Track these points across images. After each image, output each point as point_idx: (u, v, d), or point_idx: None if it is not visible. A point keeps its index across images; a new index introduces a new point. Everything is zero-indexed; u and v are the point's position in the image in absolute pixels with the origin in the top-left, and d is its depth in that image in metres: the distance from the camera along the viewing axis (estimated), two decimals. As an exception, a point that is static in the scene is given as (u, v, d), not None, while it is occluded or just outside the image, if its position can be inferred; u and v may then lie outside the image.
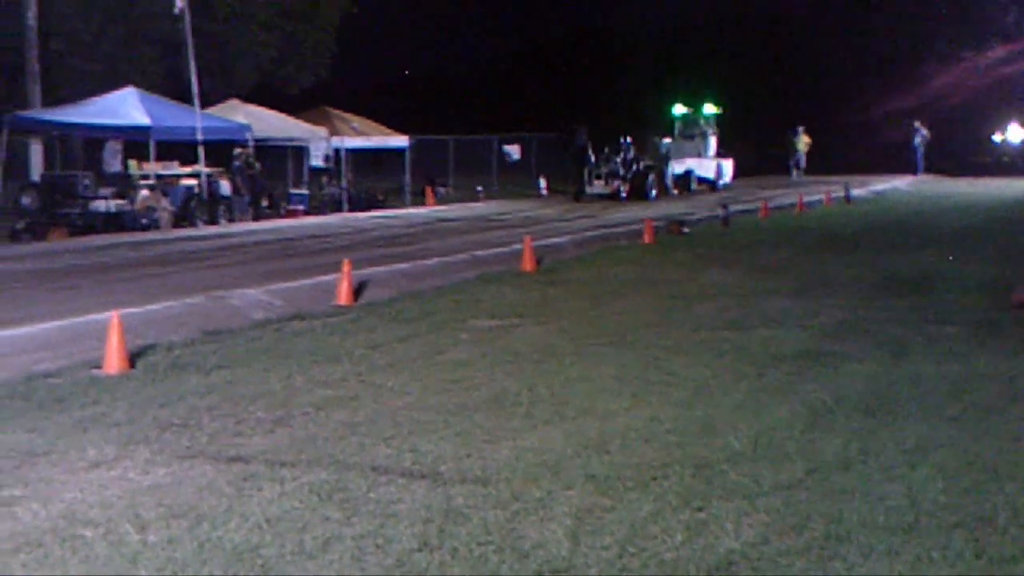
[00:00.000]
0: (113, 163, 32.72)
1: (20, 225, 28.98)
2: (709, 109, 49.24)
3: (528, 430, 9.05)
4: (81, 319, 13.94)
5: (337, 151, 39.36)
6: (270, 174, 38.53)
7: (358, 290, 16.63)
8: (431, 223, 32.77)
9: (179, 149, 34.01)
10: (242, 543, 6.63)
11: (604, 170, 42.72)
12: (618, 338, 13.10)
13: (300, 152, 40.40)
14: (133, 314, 13.49)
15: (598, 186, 42.62)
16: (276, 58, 47.70)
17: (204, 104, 34.00)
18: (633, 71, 69.42)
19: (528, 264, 19.70)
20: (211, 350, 12.47)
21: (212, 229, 30.67)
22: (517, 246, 21.17)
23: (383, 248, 24.72)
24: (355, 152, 40.92)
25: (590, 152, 42.79)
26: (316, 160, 39.20)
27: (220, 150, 34.70)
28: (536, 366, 11.57)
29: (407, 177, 42.78)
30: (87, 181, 30.26)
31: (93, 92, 35.49)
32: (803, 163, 58.41)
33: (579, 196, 42.16)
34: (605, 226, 29.93)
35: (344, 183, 39.12)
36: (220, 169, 33.95)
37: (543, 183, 46.73)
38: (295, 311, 15.25)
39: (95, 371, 11.38)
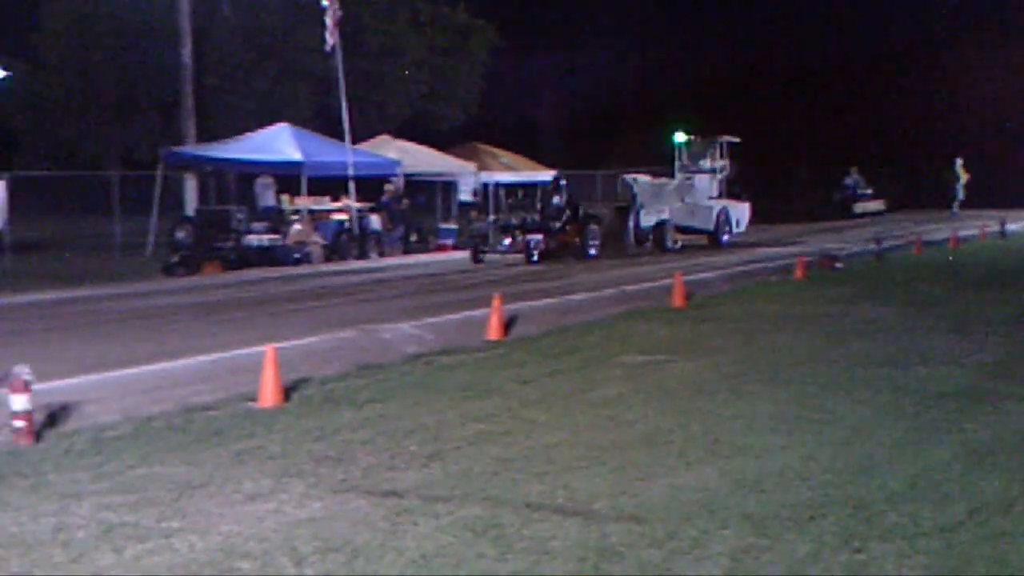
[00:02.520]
0: (265, 198, 33.28)
1: (175, 259, 29.59)
2: (719, 137, 39.52)
3: (682, 468, 8.92)
4: (236, 352, 14.16)
5: (486, 185, 39.63)
6: (419, 209, 38.89)
7: (507, 325, 16.62)
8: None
9: (330, 184, 34.49)
10: (396, 578, 6.62)
11: (512, 220, 31.87)
12: (772, 375, 12.89)
13: (449, 187, 40.75)
14: (287, 347, 13.66)
15: (504, 242, 31.61)
16: (426, 94, 48.18)
17: (355, 139, 34.47)
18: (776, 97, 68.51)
19: (678, 299, 19.51)
20: (364, 384, 12.55)
21: (362, 263, 31.04)
22: (666, 281, 21.02)
23: (530, 283, 24.75)
24: (504, 186, 41.14)
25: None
26: (464, 195, 39.52)
27: (370, 185, 35.12)
28: (689, 403, 11.43)
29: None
30: (241, 216, 30.78)
31: (246, 128, 36.22)
32: (961, 196, 55.96)
33: (478, 257, 31.53)
34: (755, 261, 29.66)
35: (491, 218, 39.34)
36: (370, 204, 34.35)
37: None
38: (445, 345, 15.29)
39: (250, 404, 11.51)
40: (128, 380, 13.00)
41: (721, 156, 39.23)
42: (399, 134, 40.91)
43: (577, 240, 31.74)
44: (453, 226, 38.63)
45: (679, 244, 34.90)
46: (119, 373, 13.39)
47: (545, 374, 13.08)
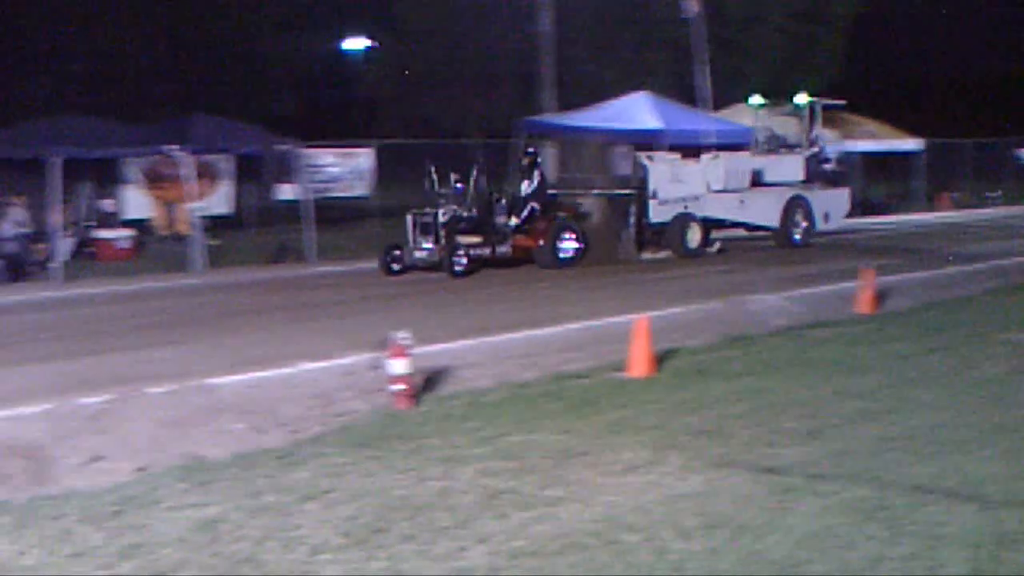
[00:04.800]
0: (622, 167, 33.25)
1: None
2: (800, 99, 30.08)
3: (1081, 454, 8.40)
4: (604, 321, 14.21)
5: (849, 154, 38.66)
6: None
7: (877, 298, 16.11)
8: (942, 229, 31.60)
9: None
10: (785, 558, 6.42)
11: (440, 215, 22.47)
12: None
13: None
14: (653, 317, 13.59)
15: (421, 251, 22.63)
16: (786, 61, 47.30)
17: (713, 107, 34.14)
18: None
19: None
20: (734, 356, 12.38)
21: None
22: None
23: (889, 256, 23.91)
24: (865, 156, 40.05)
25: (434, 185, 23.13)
26: (825, 164, 38.62)
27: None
28: (1084, 384, 10.78)
29: (918, 182, 41.45)
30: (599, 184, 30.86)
31: (604, 97, 36.31)
32: None
33: (389, 267, 22.75)
34: None
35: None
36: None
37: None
38: (814, 318, 14.95)
39: (621, 374, 11.50)
40: (500, 346, 13.24)
41: (813, 125, 29.80)
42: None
43: (542, 242, 23.22)
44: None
45: (717, 246, 26.13)
46: (492, 339, 13.66)
47: (921, 351, 12.59)
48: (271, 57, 44.66)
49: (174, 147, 25.13)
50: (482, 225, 22.97)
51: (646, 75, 41.52)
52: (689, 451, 8.58)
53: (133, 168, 28.68)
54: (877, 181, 43.65)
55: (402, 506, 7.42)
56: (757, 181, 27.43)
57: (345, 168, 25.63)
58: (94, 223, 27.57)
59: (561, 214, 23.73)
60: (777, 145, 29.39)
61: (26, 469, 8.84)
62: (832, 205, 28.90)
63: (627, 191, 24.86)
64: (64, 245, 24.44)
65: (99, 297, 20.51)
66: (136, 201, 28.98)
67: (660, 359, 11.90)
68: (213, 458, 8.85)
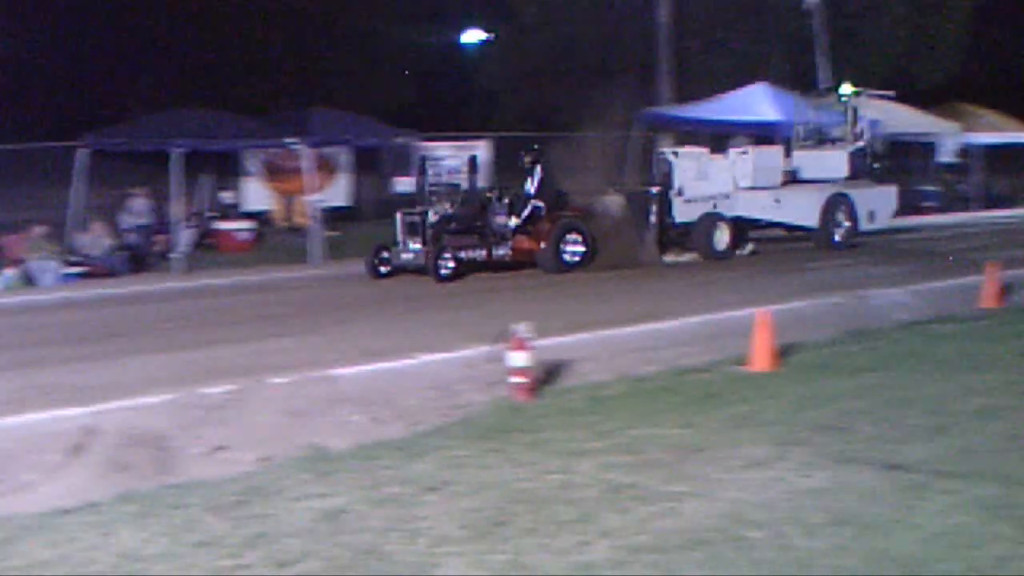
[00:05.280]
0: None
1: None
2: (845, 89, 27.90)
3: None
4: (724, 315, 14.11)
5: (968, 147, 38.03)
6: (898, 170, 37.74)
7: (1003, 292, 15.80)
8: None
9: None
10: (911, 556, 6.31)
11: (431, 215, 21.07)
12: None
13: (927, 148, 39.31)
14: (773, 311, 13.45)
15: (408, 253, 21.08)
16: (906, 52, 46.61)
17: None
18: None
19: None
20: (857, 350, 12.22)
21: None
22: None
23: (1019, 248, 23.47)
24: (987, 148, 39.32)
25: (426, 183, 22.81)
26: (945, 156, 38.04)
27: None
28: None
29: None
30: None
31: (719, 89, 36.06)
32: None
33: (376, 270, 21.36)
34: None
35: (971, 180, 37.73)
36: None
37: None
38: (936, 313, 14.71)
39: (741, 367, 11.41)
40: (619, 340, 13.20)
41: (857, 118, 27.18)
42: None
43: (543, 244, 21.58)
44: (935, 188, 37.32)
45: (749, 248, 24.36)
46: (608, 332, 13.61)
47: (1050, 346, 12.33)
48: (390, 50, 44.93)
49: (294, 139, 25.41)
50: (476, 225, 21.49)
51: (762, 66, 41.17)
52: (812, 447, 8.47)
53: (253, 160, 29.09)
54: (1000, 173, 42.81)
55: (523, 499, 7.42)
56: (794, 178, 25.85)
57: (462, 160, 25.67)
58: (215, 215, 27.98)
59: (567, 214, 22.01)
60: (820, 139, 27.33)
61: (151, 458, 9.00)
62: (878, 203, 26.23)
63: (648, 188, 23.39)
64: (185, 236, 24.81)
65: (220, 288, 20.83)
66: (256, 193, 29.38)
67: (781, 353, 11.78)
68: (335, 449, 8.93)
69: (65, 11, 38.57)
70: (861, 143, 26.72)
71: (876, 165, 27.18)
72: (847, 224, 25.32)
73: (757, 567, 6.23)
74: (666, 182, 23.34)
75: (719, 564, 6.28)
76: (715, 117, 32.85)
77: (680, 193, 23.31)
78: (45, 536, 7.08)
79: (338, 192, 30.26)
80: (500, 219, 21.70)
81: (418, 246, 20.69)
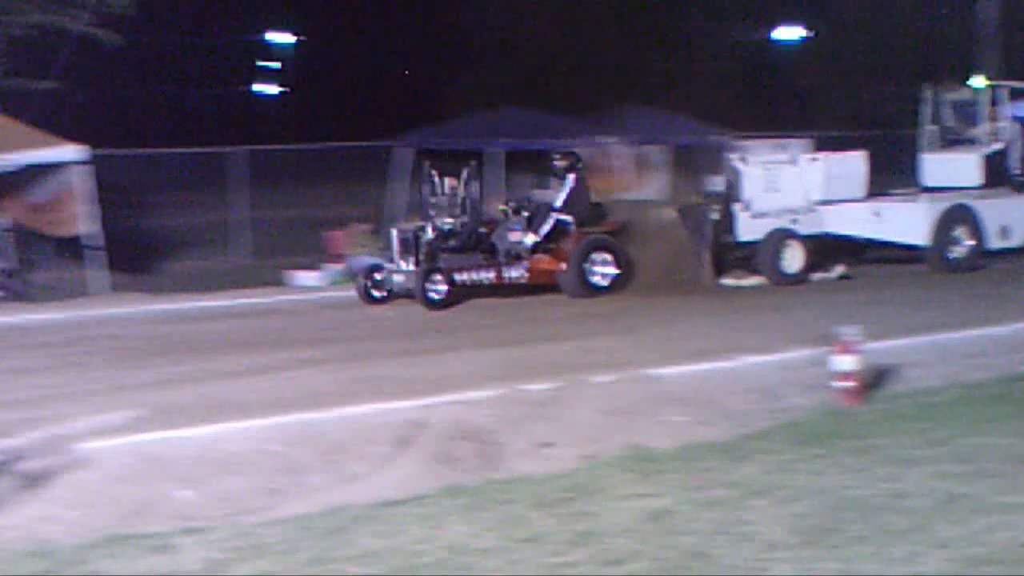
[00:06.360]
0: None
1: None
2: (977, 82, 23.92)
3: None
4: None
5: None
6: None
7: None
8: None
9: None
10: None
11: (429, 231, 18.00)
12: None
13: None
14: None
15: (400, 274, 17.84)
16: None
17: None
18: None
19: None
20: None
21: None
22: None
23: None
24: None
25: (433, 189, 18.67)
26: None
27: None
28: None
29: None
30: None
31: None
32: None
33: (369, 294, 17.97)
34: None
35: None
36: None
37: None
38: None
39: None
40: (947, 345, 12.78)
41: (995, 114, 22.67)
42: None
43: (563, 266, 18.37)
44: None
45: (839, 270, 20.53)
46: (936, 337, 13.20)
47: None
48: (705, 48, 44.76)
49: (609, 138, 25.49)
50: (483, 242, 18.42)
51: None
52: None
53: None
54: None
55: (853, 506, 7.24)
56: (918, 185, 22.28)
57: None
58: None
59: (597, 230, 18.92)
60: (948, 139, 22.96)
61: (476, 453, 9.16)
62: (1015, 216, 21.41)
63: (705, 201, 20.25)
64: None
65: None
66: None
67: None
68: (658, 449, 8.91)
69: (395, 14, 39.92)
70: (999, 145, 22.28)
71: (1018, 172, 22.29)
72: (969, 242, 20.76)
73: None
74: (730, 193, 20.24)
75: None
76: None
77: (748, 207, 20.11)
78: (375, 527, 7.27)
79: (652, 191, 30.20)
80: (515, 235, 18.63)
81: (410, 267, 17.68)
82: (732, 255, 19.81)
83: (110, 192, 20.78)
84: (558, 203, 18.83)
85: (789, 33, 49.18)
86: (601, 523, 7.09)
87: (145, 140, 28.71)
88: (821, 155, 21.08)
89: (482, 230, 18.37)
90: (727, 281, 19.49)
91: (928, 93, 23.34)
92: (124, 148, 24.81)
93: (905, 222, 20.65)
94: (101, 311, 17.63)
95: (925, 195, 21.65)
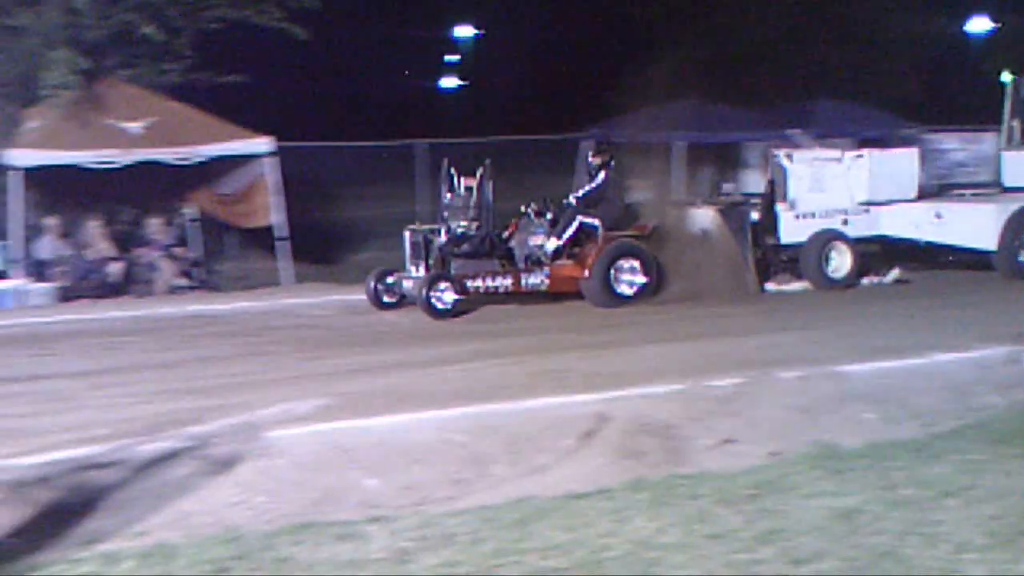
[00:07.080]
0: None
1: None
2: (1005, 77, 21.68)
3: None
4: None
5: None
6: None
7: None
8: None
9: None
10: None
11: (442, 234, 17.04)
12: None
13: None
14: None
15: (409, 280, 16.95)
16: None
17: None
18: None
19: None
20: None
21: None
22: None
23: None
24: None
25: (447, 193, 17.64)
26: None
27: None
28: None
29: None
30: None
31: None
32: None
33: (379, 299, 17.20)
34: None
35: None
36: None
37: None
38: None
39: None
40: None
41: None
42: None
43: (585, 273, 17.11)
44: None
45: (893, 275, 19.24)
46: None
47: None
48: (896, 39, 43.97)
49: (796, 131, 25.19)
50: (495, 247, 17.27)
51: None
52: None
53: (753, 152, 29.03)
54: None
55: None
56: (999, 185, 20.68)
57: (969, 154, 24.58)
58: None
59: (625, 234, 17.46)
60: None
61: (661, 447, 9.12)
62: None
63: (749, 200, 19.18)
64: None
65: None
66: (754, 184, 29.36)
67: None
68: (845, 446, 8.78)
69: (582, 8, 40.02)
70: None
71: None
72: None
73: None
74: (772, 192, 19.01)
75: None
76: None
77: (792, 207, 18.96)
78: (560, 519, 7.29)
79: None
80: (535, 240, 17.51)
81: (421, 273, 16.80)
82: (776, 258, 18.77)
83: (295, 184, 21.18)
84: (577, 197, 17.56)
85: (980, 24, 48.18)
86: (788, 521, 7.01)
87: (329, 133, 29.12)
88: (865, 152, 19.84)
89: (504, 234, 17.41)
90: (770, 286, 18.51)
91: (1009, 84, 21.52)
92: (309, 141, 25.27)
93: (971, 225, 19.19)
94: (286, 301, 18.01)
95: (989, 196, 20.13)
